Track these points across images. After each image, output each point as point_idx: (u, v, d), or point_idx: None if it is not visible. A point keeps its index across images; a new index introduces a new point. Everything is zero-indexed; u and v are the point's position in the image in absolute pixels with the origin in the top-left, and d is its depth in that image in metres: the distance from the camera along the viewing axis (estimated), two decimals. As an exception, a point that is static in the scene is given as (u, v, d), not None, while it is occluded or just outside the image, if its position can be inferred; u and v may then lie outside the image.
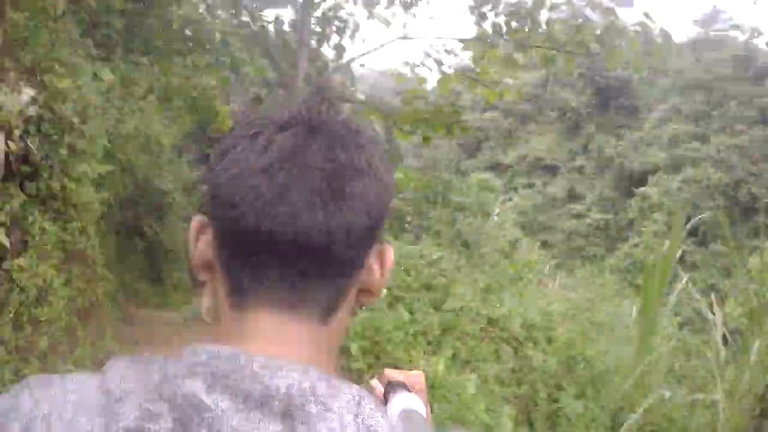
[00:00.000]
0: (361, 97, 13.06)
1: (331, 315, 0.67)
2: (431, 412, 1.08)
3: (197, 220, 0.70)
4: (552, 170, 33.40)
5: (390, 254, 0.72)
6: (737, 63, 31.56)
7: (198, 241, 0.70)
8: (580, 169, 32.87)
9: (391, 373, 1.09)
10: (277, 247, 0.62)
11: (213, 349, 0.59)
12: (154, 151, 9.84)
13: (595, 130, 34.06)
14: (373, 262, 0.70)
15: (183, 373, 0.57)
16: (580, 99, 34.56)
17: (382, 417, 0.58)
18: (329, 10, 11.50)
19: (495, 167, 32.37)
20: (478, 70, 11.06)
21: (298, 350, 0.63)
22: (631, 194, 28.93)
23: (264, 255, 0.63)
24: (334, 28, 11.46)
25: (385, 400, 1.01)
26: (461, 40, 10.99)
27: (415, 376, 1.10)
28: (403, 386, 1.03)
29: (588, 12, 10.26)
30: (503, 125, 34.99)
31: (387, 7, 11.64)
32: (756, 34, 37.29)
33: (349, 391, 0.59)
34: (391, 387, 1.03)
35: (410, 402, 0.96)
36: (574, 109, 34.90)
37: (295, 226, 0.62)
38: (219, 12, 9.89)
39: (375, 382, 1.10)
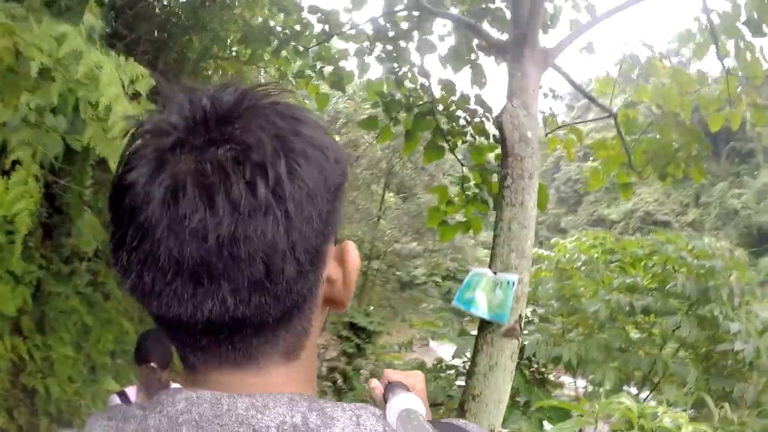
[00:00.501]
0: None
1: (298, 352, 0.62)
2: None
3: None
4: (663, 226, 30.56)
5: (351, 252, 0.65)
6: None
7: None
8: (692, 223, 29.89)
9: (391, 374, 1.10)
10: (195, 327, 0.57)
11: (190, 395, 0.56)
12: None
13: (707, 177, 31.29)
14: (333, 270, 0.63)
15: (166, 428, 0.55)
16: (688, 145, 31.83)
17: (385, 429, 0.57)
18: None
19: (599, 223, 30.30)
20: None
21: (269, 379, 0.60)
22: (762, 252, 25.59)
23: (190, 333, 0.58)
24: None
25: (385, 400, 0.99)
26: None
27: (415, 376, 1.12)
28: (403, 387, 1.02)
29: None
30: (605, 177, 32.77)
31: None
32: None
33: (343, 414, 0.56)
34: (390, 387, 1.02)
35: (410, 402, 0.86)
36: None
37: (200, 308, 0.55)
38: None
39: (375, 383, 1.10)
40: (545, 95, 5.16)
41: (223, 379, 0.59)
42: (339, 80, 5.52)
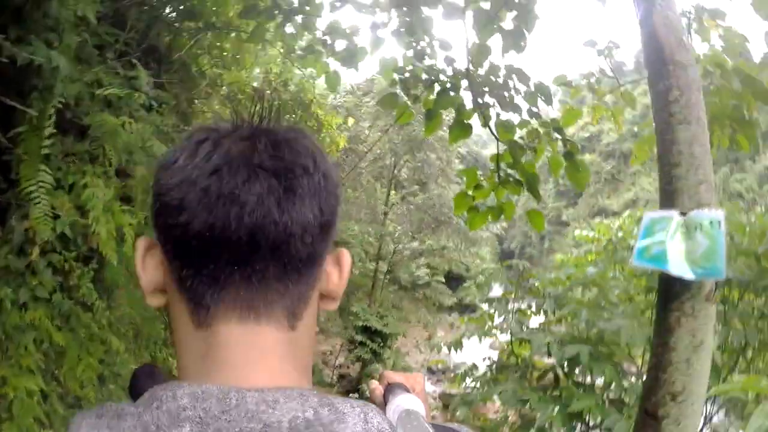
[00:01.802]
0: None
1: (297, 320, 0.65)
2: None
3: (142, 239, 0.68)
4: (666, 214, 30.29)
5: (347, 258, 0.72)
6: None
7: (145, 263, 0.68)
8: (695, 210, 29.62)
9: (391, 375, 1.09)
10: (233, 247, 0.60)
11: (194, 390, 0.56)
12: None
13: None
14: (330, 266, 0.70)
15: (166, 424, 0.54)
16: (687, 133, 31.90)
17: (389, 428, 0.58)
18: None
19: (600, 215, 29.99)
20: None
21: (272, 363, 0.62)
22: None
23: (220, 259, 0.61)
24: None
25: (385, 401, 1.00)
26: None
27: (415, 377, 1.11)
28: (403, 387, 1.03)
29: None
30: (604, 168, 32.51)
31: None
32: None
33: (352, 410, 0.57)
34: (390, 388, 1.03)
35: (410, 403, 0.94)
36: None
37: (250, 222, 0.60)
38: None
39: (375, 384, 1.09)
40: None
41: (233, 340, 0.61)
42: (351, 56, 5.01)
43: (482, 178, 5.00)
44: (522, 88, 4.69)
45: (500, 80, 4.86)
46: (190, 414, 0.53)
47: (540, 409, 3.12)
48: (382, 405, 1.00)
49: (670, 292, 2.32)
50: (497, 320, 4.33)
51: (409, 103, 5.07)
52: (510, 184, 4.95)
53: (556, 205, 36.64)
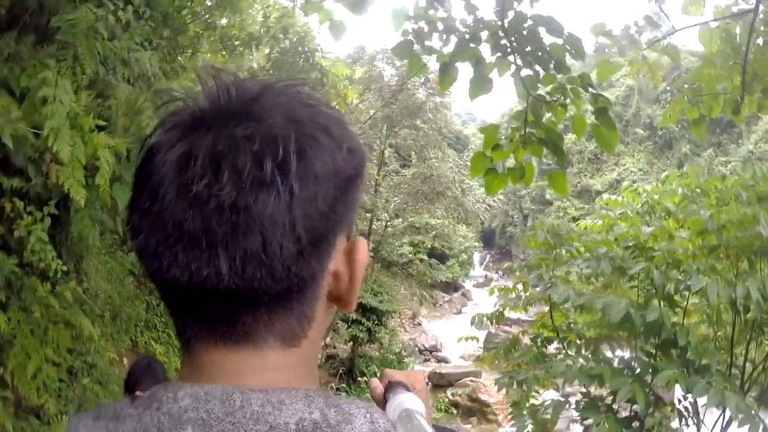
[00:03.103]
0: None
1: (299, 339, 0.61)
2: None
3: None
4: (649, 194, 30.40)
5: (361, 249, 0.64)
6: None
7: None
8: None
9: (392, 373, 1.09)
10: (191, 295, 0.57)
11: (197, 390, 0.54)
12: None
13: (690, 147, 31.44)
14: (340, 264, 0.63)
15: (167, 427, 0.52)
16: (670, 115, 32.13)
17: (393, 429, 0.56)
18: None
19: (583, 194, 29.98)
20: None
21: (269, 375, 0.58)
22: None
23: (186, 301, 0.58)
24: None
25: (385, 400, 1.00)
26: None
27: (416, 376, 1.10)
28: (404, 386, 1.02)
29: None
30: (587, 147, 32.42)
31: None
32: None
33: (358, 411, 0.55)
34: (391, 387, 1.02)
35: (410, 402, 0.93)
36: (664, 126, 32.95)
37: (197, 274, 0.55)
38: None
39: (375, 382, 1.08)
40: None
41: (218, 360, 0.58)
42: (360, 1, 4.57)
43: (503, 138, 4.65)
44: (551, 39, 4.32)
45: (525, 32, 4.49)
46: (193, 416, 0.52)
47: (617, 386, 2.79)
48: (382, 403, 1.00)
49: None
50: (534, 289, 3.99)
51: (421, 54, 4.69)
52: (533, 144, 4.59)
53: (539, 184, 36.54)
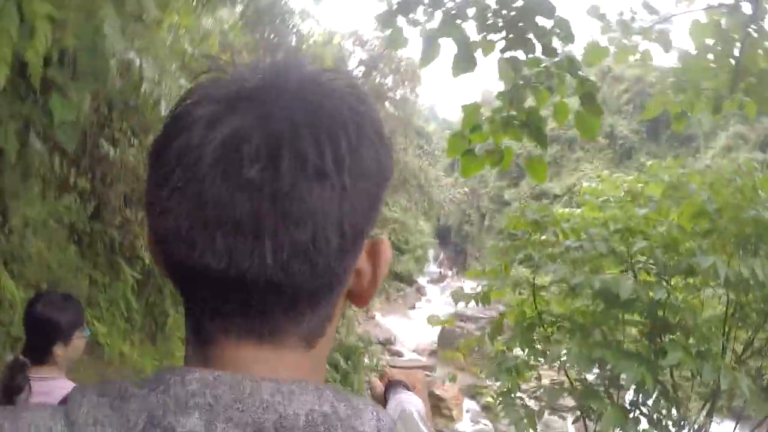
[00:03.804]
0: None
1: (317, 339, 0.58)
2: None
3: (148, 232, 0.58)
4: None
5: (385, 249, 0.61)
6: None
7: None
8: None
9: (392, 373, 1.09)
10: (224, 285, 0.52)
11: (205, 375, 0.51)
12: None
13: (648, 158, 32.23)
14: (363, 262, 0.60)
15: (172, 410, 0.49)
16: (630, 126, 33.38)
17: (397, 426, 0.56)
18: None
19: (541, 197, 30.41)
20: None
21: (282, 371, 0.55)
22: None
23: (214, 292, 0.54)
24: None
25: (386, 399, 1.01)
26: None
27: (415, 375, 1.12)
28: (404, 385, 1.02)
29: None
30: (548, 153, 33.00)
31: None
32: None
33: (366, 407, 0.54)
34: (391, 386, 1.02)
35: (410, 401, 0.93)
36: (624, 136, 34.20)
37: (237, 263, 0.51)
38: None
39: (376, 381, 1.09)
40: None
41: (241, 356, 0.55)
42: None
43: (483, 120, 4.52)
44: (541, 22, 4.21)
45: (513, 12, 4.37)
46: (200, 401, 0.49)
47: (623, 369, 2.69)
48: (383, 402, 0.97)
49: None
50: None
51: (401, 27, 4.53)
52: (513, 128, 4.48)
53: (498, 184, 36.88)
